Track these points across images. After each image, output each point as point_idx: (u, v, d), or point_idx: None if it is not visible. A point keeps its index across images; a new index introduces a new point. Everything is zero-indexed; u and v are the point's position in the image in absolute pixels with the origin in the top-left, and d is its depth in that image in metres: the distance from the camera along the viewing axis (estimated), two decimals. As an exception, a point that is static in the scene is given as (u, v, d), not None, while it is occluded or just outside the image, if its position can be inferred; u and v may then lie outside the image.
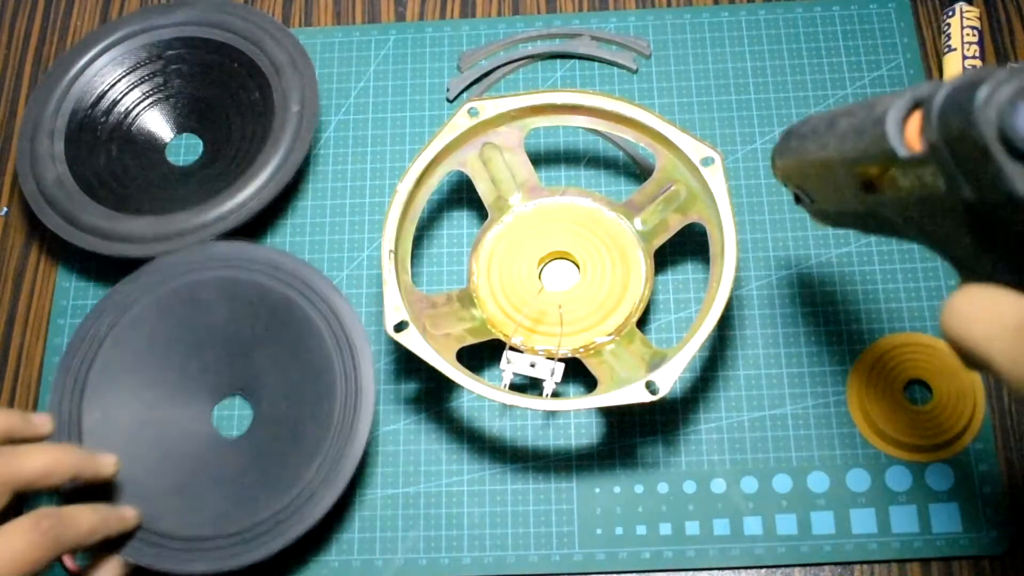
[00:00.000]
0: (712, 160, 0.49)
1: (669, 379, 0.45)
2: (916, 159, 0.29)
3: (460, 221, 0.56)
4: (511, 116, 0.51)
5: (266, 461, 0.48)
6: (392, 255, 0.48)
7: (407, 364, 0.53)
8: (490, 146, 0.50)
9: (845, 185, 0.35)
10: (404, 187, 0.49)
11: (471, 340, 0.49)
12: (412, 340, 0.46)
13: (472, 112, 0.48)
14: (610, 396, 0.45)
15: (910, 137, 0.30)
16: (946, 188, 0.29)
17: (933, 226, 0.31)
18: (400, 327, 0.46)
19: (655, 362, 0.48)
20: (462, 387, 0.51)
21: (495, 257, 0.51)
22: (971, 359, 0.30)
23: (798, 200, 0.41)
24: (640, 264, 0.51)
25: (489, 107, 0.49)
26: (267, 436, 0.49)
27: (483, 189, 0.51)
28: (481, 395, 0.45)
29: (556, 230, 0.51)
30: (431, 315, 0.48)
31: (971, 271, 0.31)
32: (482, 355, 0.52)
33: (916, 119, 0.30)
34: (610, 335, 0.49)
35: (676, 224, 0.51)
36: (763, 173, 0.56)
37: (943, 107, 0.27)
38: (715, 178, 0.49)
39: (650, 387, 0.45)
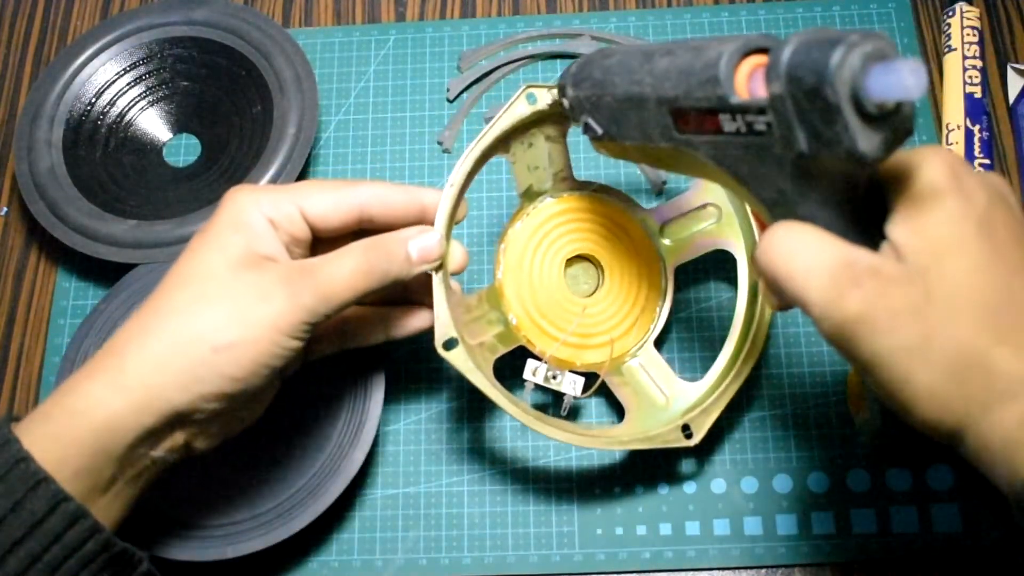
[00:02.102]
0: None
1: (704, 425, 0.45)
2: (749, 106, 0.30)
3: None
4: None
5: (272, 454, 0.48)
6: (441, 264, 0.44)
7: (408, 364, 0.53)
8: (536, 131, 0.48)
9: (654, 123, 0.35)
10: (457, 178, 0.45)
11: (502, 349, 0.47)
12: (461, 360, 0.43)
13: (531, 98, 0.47)
14: (648, 438, 0.45)
15: (741, 84, 0.31)
16: (779, 137, 0.29)
17: (750, 169, 0.32)
18: (449, 345, 0.43)
19: (678, 395, 0.48)
20: (468, 390, 0.51)
21: (523, 253, 0.49)
22: (784, 295, 0.31)
23: (587, 130, 0.41)
24: (662, 278, 0.50)
25: (546, 95, 0.46)
26: (272, 432, 0.49)
27: (520, 176, 0.49)
28: (530, 427, 0.44)
29: (583, 229, 0.50)
30: (467, 322, 0.46)
31: (784, 213, 0.32)
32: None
33: (748, 66, 0.31)
34: (630, 350, 0.49)
35: (704, 245, 0.50)
36: (763, 173, 0.56)
37: (792, 62, 0.28)
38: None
39: (684, 431, 0.45)
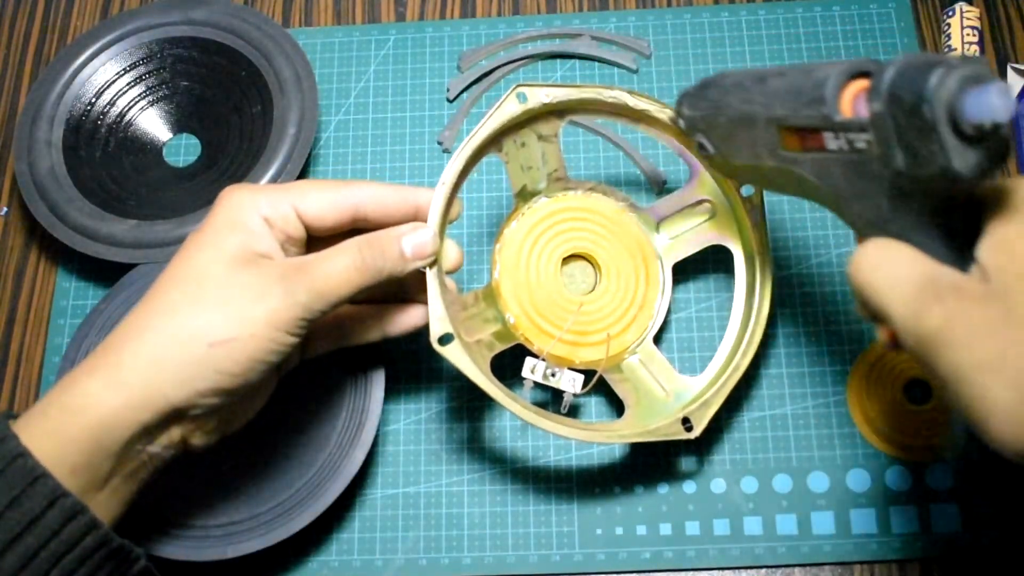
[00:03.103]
0: (751, 190, 0.49)
1: (704, 417, 0.45)
2: (852, 124, 0.32)
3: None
4: (556, 106, 0.48)
5: (272, 454, 0.48)
6: (435, 259, 0.44)
7: (407, 364, 0.53)
8: (528, 131, 0.48)
9: (763, 141, 0.38)
10: (449, 176, 0.45)
11: (500, 346, 0.47)
12: (457, 355, 0.43)
13: (521, 98, 0.47)
14: (648, 431, 0.45)
15: (845, 104, 0.33)
16: (879, 154, 0.31)
17: (849, 186, 0.34)
18: (445, 340, 0.43)
19: (679, 391, 0.47)
20: (467, 390, 0.51)
21: (519, 253, 0.49)
22: (871, 308, 0.32)
23: (700, 148, 0.43)
24: (659, 275, 0.51)
25: (537, 94, 0.47)
26: (272, 432, 0.49)
27: (513, 175, 0.49)
28: (528, 421, 0.44)
29: (579, 228, 0.50)
30: (463, 319, 0.46)
31: (878, 231, 0.33)
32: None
33: (853, 88, 0.33)
34: (629, 347, 0.49)
35: (700, 243, 0.50)
36: (763, 173, 0.56)
37: (894, 82, 0.30)
38: (751, 209, 0.49)
39: (684, 423, 0.45)
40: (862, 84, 0.33)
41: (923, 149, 0.29)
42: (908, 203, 0.32)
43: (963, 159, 0.29)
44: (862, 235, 0.34)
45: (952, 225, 0.32)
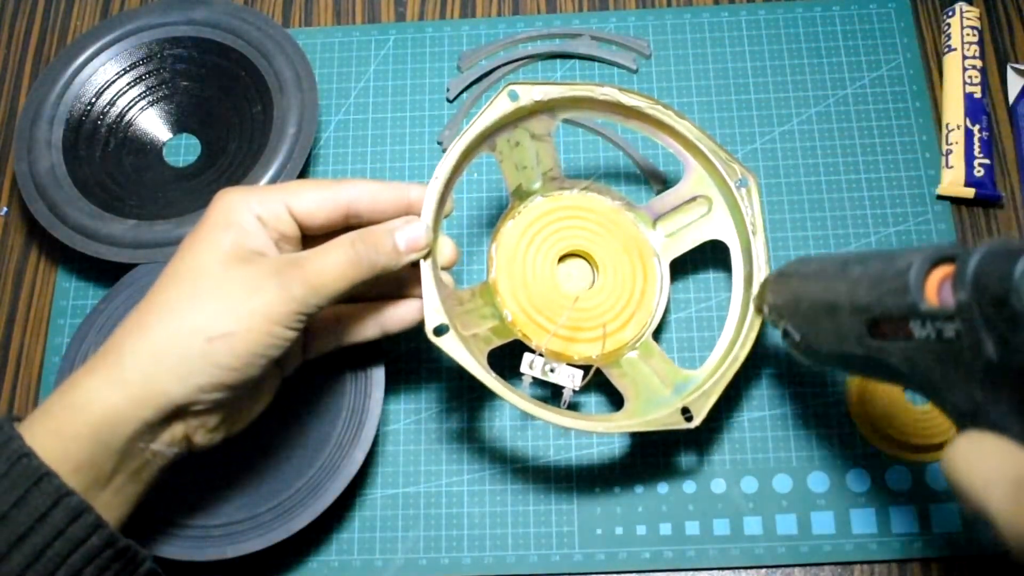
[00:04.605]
0: (747, 182, 0.49)
1: (703, 407, 0.45)
2: (939, 313, 0.31)
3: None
4: (548, 104, 0.48)
5: (272, 454, 0.48)
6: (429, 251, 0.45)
7: (407, 364, 0.53)
8: (521, 130, 0.48)
9: (849, 329, 0.36)
10: (442, 171, 0.45)
11: (497, 341, 0.47)
12: (452, 346, 0.43)
13: (512, 96, 0.47)
14: (647, 421, 0.45)
15: (931, 292, 0.32)
16: (968, 344, 0.30)
17: (941, 375, 0.32)
18: (440, 331, 0.43)
19: (679, 383, 0.47)
20: (467, 389, 0.51)
21: (515, 251, 0.49)
22: (969, 504, 0.31)
23: (785, 335, 0.42)
24: (657, 272, 0.51)
25: (529, 92, 0.47)
26: (272, 432, 0.49)
27: (508, 174, 0.50)
28: (526, 412, 0.44)
29: (575, 227, 0.50)
30: (459, 314, 0.46)
31: (974, 420, 0.32)
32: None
33: (938, 275, 0.32)
34: (628, 343, 0.49)
35: (696, 238, 0.51)
36: (763, 173, 0.56)
37: (978, 270, 0.29)
38: (746, 202, 0.49)
39: (684, 413, 0.45)
40: (947, 270, 0.32)
41: (1014, 339, 0.28)
42: (1004, 392, 0.30)
43: None
44: (957, 425, 0.33)
45: None
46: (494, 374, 0.44)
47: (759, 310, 0.46)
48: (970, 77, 0.56)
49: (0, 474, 0.35)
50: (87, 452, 0.36)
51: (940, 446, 0.49)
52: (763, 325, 0.47)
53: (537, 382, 0.47)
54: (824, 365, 0.42)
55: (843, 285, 0.36)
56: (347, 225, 0.43)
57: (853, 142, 0.57)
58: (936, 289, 0.32)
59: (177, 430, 0.39)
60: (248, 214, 0.40)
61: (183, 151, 0.59)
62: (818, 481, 0.49)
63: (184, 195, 0.56)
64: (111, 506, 0.37)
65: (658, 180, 0.56)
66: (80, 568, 0.35)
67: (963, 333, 0.30)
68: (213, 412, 0.39)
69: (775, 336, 0.52)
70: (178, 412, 0.38)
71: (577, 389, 0.47)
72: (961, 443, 0.31)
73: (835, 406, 0.51)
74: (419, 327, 0.45)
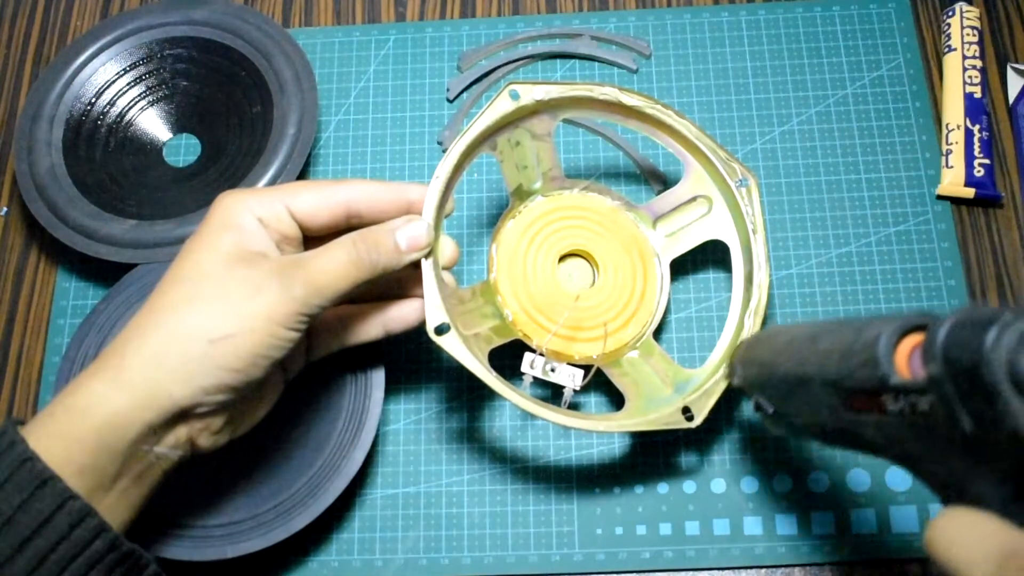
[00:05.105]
0: (747, 183, 0.49)
1: (704, 407, 0.45)
2: (911, 386, 0.30)
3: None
4: (549, 104, 0.48)
5: (273, 453, 0.48)
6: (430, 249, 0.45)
7: (408, 365, 0.53)
8: (522, 130, 0.49)
9: (822, 402, 0.35)
10: (443, 171, 0.45)
11: (498, 341, 0.47)
12: (453, 345, 0.43)
13: (513, 95, 0.47)
14: (647, 420, 0.45)
15: (901, 363, 0.31)
16: (944, 418, 0.29)
17: (918, 448, 0.32)
18: (441, 330, 0.43)
19: (680, 383, 0.47)
20: (467, 389, 0.51)
21: (516, 251, 0.49)
22: None
23: (758, 408, 0.41)
24: (657, 271, 0.51)
25: (529, 92, 0.47)
26: (272, 432, 0.49)
27: (508, 174, 0.50)
28: (527, 411, 0.44)
29: (575, 226, 0.50)
30: (461, 313, 0.46)
31: (956, 494, 0.31)
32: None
33: (908, 345, 0.31)
34: (628, 343, 0.49)
35: (696, 238, 0.51)
36: (763, 173, 0.56)
37: (948, 342, 0.28)
38: (746, 202, 0.49)
39: (685, 413, 0.45)
40: (917, 339, 0.31)
41: (989, 411, 0.27)
42: (984, 463, 0.29)
43: None
44: (940, 498, 0.32)
45: None
46: (495, 373, 0.44)
47: (729, 380, 0.45)
48: (970, 77, 0.56)
49: (4, 478, 0.34)
50: (90, 455, 0.36)
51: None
52: (763, 324, 0.47)
53: (538, 382, 0.47)
54: (799, 436, 0.41)
55: (813, 358, 0.35)
56: (348, 226, 0.43)
57: (853, 142, 0.57)
58: (906, 360, 0.31)
59: (181, 433, 0.39)
60: (249, 216, 0.40)
61: (183, 151, 0.59)
62: (818, 481, 0.49)
63: (184, 195, 0.56)
64: (115, 509, 0.37)
65: (658, 180, 0.56)
66: (84, 572, 0.35)
67: (937, 406, 0.29)
68: (217, 414, 0.39)
69: (775, 336, 0.52)
70: (182, 414, 0.38)
71: (578, 389, 0.47)
72: (943, 520, 0.30)
73: (835, 406, 0.51)
74: (420, 327, 0.45)
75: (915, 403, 0.30)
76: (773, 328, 0.42)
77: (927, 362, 0.29)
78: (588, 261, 0.51)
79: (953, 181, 0.54)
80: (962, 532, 0.30)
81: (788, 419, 0.39)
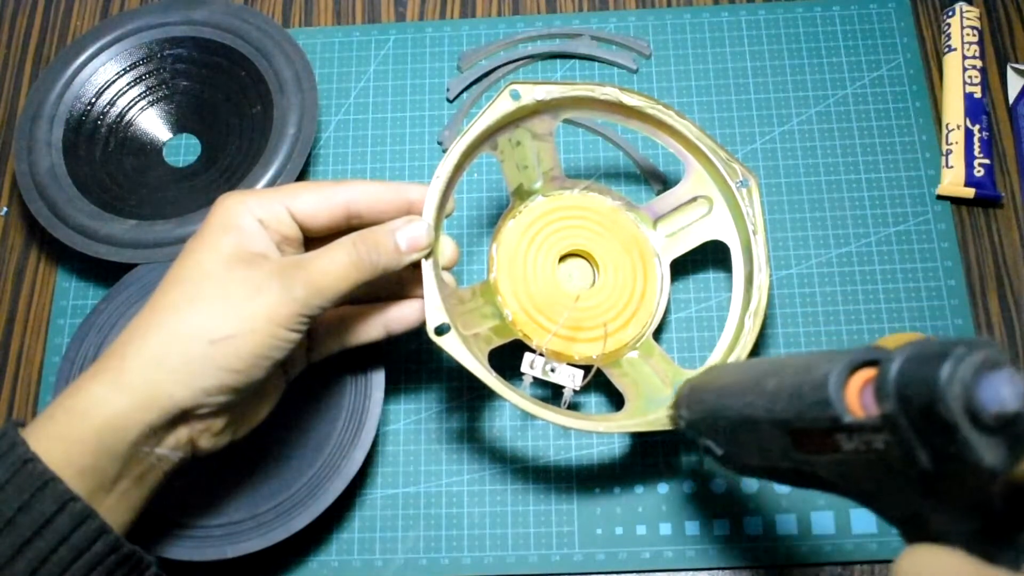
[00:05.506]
0: (747, 183, 0.49)
1: None
2: (864, 425, 0.29)
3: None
4: (550, 104, 0.48)
5: (272, 454, 0.48)
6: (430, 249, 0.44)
7: (408, 364, 0.53)
8: (523, 130, 0.49)
9: (772, 444, 0.34)
10: (444, 171, 0.45)
11: (498, 341, 0.47)
12: (454, 345, 0.43)
13: (514, 95, 0.47)
14: (647, 421, 0.45)
15: (853, 402, 0.30)
16: (901, 455, 0.28)
17: (875, 486, 0.31)
18: (441, 330, 0.43)
19: (679, 383, 0.47)
20: (467, 389, 0.51)
21: (516, 251, 0.49)
22: None
23: (707, 452, 0.39)
24: (657, 272, 0.51)
25: (530, 92, 0.47)
26: (272, 432, 0.49)
27: (508, 174, 0.50)
28: (527, 411, 0.44)
29: (576, 226, 0.50)
30: (461, 313, 0.46)
31: (918, 530, 0.30)
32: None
33: (859, 381, 0.30)
34: (628, 343, 0.49)
35: (697, 238, 0.51)
36: (763, 173, 0.56)
37: (901, 380, 0.27)
38: (747, 202, 0.49)
39: None
40: (868, 374, 0.30)
41: (947, 447, 0.26)
42: (944, 499, 0.29)
43: (993, 453, 0.26)
44: (902, 534, 0.31)
45: (997, 513, 0.28)
46: (495, 374, 0.44)
47: (675, 424, 0.44)
48: (970, 77, 0.56)
49: (4, 479, 0.34)
50: (91, 457, 0.36)
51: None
52: (764, 324, 0.47)
53: (537, 382, 0.47)
54: (751, 476, 0.39)
55: (760, 400, 0.34)
56: (349, 226, 0.43)
57: (853, 142, 0.57)
58: (858, 396, 0.29)
59: (182, 434, 0.39)
60: (249, 217, 0.40)
61: (183, 151, 0.59)
62: (818, 481, 0.49)
63: (184, 195, 0.56)
64: (116, 511, 0.37)
65: (658, 180, 0.56)
66: (85, 574, 0.35)
67: (893, 444, 0.28)
68: (218, 416, 0.39)
69: (775, 336, 0.52)
70: (183, 416, 0.38)
71: (577, 389, 0.47)
72: (909, 557, 0.30)
73: (835, 406, 0.51)
74: (420, 327, 0.45)
75: (870, 441, 0.29)
76: (716, 368, 0.40)
77: (881, 400, 0.28)
78: (588, 261, 0.51)
79: (953, 181, 0.54)
80: (929, 570, 0.29)
81: (738, 462, 0.38)
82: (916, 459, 0.28)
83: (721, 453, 0.39)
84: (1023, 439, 0.26)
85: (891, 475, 0.29)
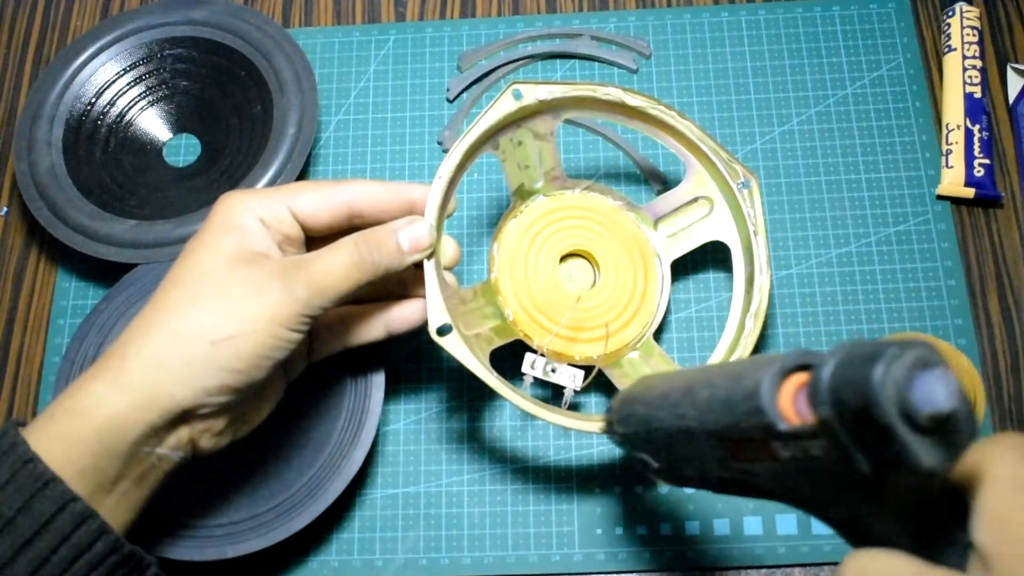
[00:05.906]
0: (748, 184, 0.49)
1: None
2: (800, 433, 0.28)
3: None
4: (552, 104, 0.48)
5: (272, 454, 0.48)
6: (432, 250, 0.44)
7: (408, 364, 0.53)
8: (524, 129, 0.49)
9: (707, 455, 0.33)
10: (446, 170, 0.45)
11: (499, 341, 0.47)
12: (455, 346, 0.43)
13: (516, 95, 0.47)
14: None
15: (787, 408, 0.29)
16: (838, 460, 0.28)
17: (815, 492, 0.30)
18: (443, 331, 0.43)
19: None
20: (467, 389, 0.51)
21: (517, 250, 0.49)
22: None
23: (644, 466, 0.38)
24: (658, 272, 0.51)
25: (533, 92, 0.47)
26: (272, 432, 0.49)
27: (510, 174, 0.50)
28: (527, 411, 0.44)
29: (577, 226, 0.50)
30: (462, 313, 0.46)
31: (862, 534, 0.30)
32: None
33: (792, 386, 0.29)
34: (629, 343, 0.49)
35: (697, 239, 0.51)
36: (763, 173, 0.56)
37: (834, 384, 0.27)
38: (748, 204, 0.49)
39: None
40: (801, 379, 0.29)
41: (884, 450, 0.26)
42: (885, 501, 0.28)
43: (930, 454, 0.25)
44: (846, 539, 0.31)
45: (938, 513, 0.29)
46: (496, 374, 0.44)
47: (610, 438, 0.42)
48: (970, 77, 0.56)
49: (5, 479, 0.34)
50: (91, 457, 0.36)
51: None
52: (764, 324, 0.47)
53: (538, 382, 0.47)
54: (689, 486, 0.38)
55: (692, 411, 0.33)
56: (351, 226, 0.43)
57: (853, 142, 0.57)
58: (792, 403, 0.29)
59: (183, 434, 0.39)
60: (250, 216, 0.40)
61: (183, 151, 0.59)
62: (818, 481, 0.49)
63: (184, 195, 0.56)
64: (116, 511, 0.37)
65: (658, 180, 0.56)
66: (85, 574, 0.35)
67: (830, 449, 0.27)
68: (219, 416, 0.39)
69: (775, 336, 0.52)
70: (183, 416, 0.38)
71: (578, 389, 0.47)
72: (854, 561, 0.29)
73: (835, 406, 0.51)
74: (421, 327, 0.45)
75: (807, 448, 0.28)
76: (646, 379, 0.40)
77: (815, 406, 0.27)
78: (589, 261, 0.51)
79: (953, 181, 0.54)
80: (873, 574, 0.29)
81: (676, 473, 0.37)
82: (854, 464, 0.27)
83: (658, 466, 0.38)
84: (959, 438, 0.26)
85: (831, 481, 0.29)
